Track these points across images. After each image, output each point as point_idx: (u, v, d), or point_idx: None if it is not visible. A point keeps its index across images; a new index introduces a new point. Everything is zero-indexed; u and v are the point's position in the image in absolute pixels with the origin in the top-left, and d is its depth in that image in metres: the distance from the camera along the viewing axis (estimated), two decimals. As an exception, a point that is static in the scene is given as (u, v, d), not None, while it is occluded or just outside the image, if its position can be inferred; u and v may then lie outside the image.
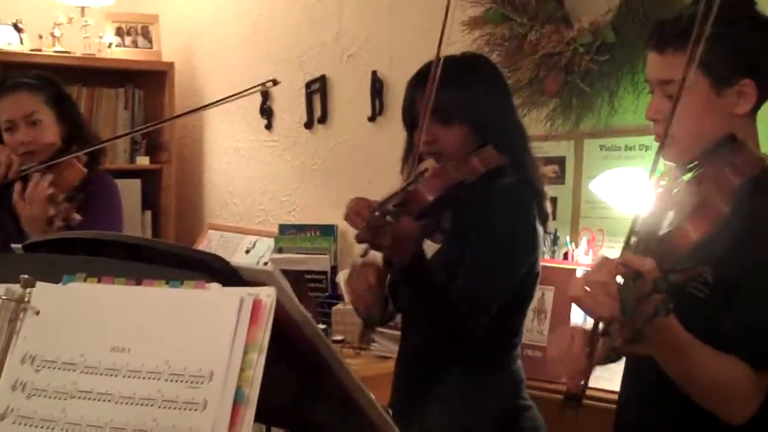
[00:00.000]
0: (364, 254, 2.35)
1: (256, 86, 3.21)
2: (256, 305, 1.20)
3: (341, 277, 4.31)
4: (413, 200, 2.32)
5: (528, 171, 2.49)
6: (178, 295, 1.25)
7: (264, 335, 1.19)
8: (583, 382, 1.65)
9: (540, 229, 2.47)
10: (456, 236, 2.46)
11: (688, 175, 1.79)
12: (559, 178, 3.61)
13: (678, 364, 1.69)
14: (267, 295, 1.20)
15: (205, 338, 1.20)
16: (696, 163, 1.82)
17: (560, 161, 3.62)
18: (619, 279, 1.51)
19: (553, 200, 3.55)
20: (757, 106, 1.89)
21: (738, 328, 1.71)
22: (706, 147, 1.82)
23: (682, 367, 1.69)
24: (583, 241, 3.41)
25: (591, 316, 1.57)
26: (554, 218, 3.54)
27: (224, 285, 1.31)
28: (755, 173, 1.75)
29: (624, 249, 1.65)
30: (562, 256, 3.42)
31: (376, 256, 2.41)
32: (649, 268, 1.46)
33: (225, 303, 1.20)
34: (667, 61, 1.87)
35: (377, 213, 2.16)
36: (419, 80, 2.46)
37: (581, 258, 3.36)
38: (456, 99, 2.42)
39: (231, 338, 1.18)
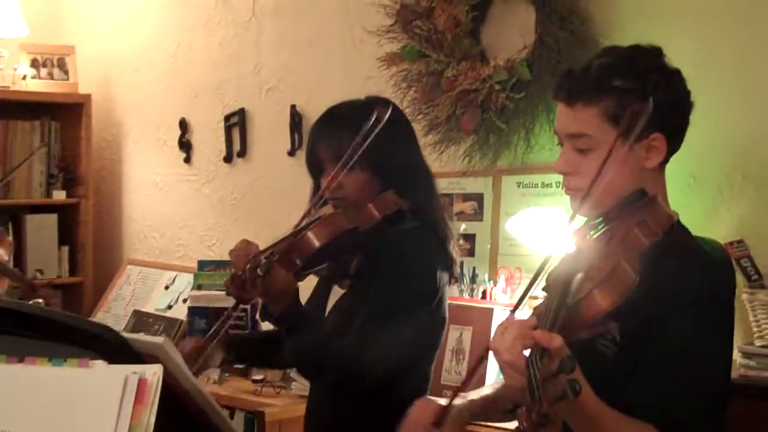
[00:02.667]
0: (234, 308, 2.35)
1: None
2: (141, 384, 1.15)
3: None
4: (299, 248, 2.29)
5: (431, 214, 2.47)
6: (61, 374, 1.20)
7: (149, 416, 1.15)
8: None
9: (442, 274, 2.44)
10: (356, 283, 2.45)
11: (597, 230, 1.78)
12: (478, 215, 3.60)
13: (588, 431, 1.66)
14: (153, 373, 1.16)
15: (88, 419, 1.16)
16: (606, 218, 1.80)
17: (478, 198, 3.61)
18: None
19: (472, 237, 3.57)
20: (665, 160, 1.89)
21: (645, 393, 1.69)
22: (617, 202, 1.81)
23: None
24: (501, 279, 3.41)
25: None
26: (472, 255, 3.55)
27: (114, 356, 1.26)
28: (665, 231, 1.74)
29: (535, 308, 1.63)
30: (480, 294, 3.40)
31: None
32: (556, 346, 1.43)
33: (109, 382, 1.16)
34: (576, 114, 1.83)
35: (249, 266, 2.11)
36: (321, 125, 2.44)
37: (499, 296, 3.35)
38: (358, 144, 2.41)
39: (115, 420, 1.14)
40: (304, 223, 2.33)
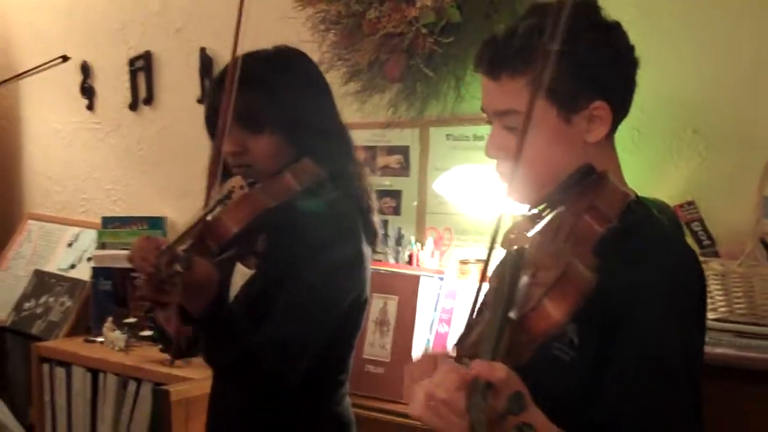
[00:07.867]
0: (147, 311, 1.96)
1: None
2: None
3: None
4: (213, 233, 1.95)
5: (352, 184, 2.17)
6: None
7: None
8: None
9: (367, 250, 2.15)
10: (269, 264, 2.12)
11: (545, 218, 1.49)
12: (404, 170, 3.32)
13: None
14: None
15: None
16: (549, 203, 1.52)
17: (404, 151, 3.33)
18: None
19: (397, 194, 3.30)
20: (612, 130, 1.61)
21: (617, 408, 1.41)
22: (560, 184, 1.53)
23: None
24: (429, 241, 3.13)
25: None
26: (398, 214, 3.28)
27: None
28: (620, 214, 1.46)
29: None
30: (406, 258, 3.12)
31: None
32: (501, 377, 1.13)
33: None
34: (502, 88, 1.55)
35: (164, 261, 1.76)
36: (222, 81, 2.08)
37: (427, 261, 3.07)
38: (266, 103, 2.08)
39: None
40: (214, 201, 1.98)
